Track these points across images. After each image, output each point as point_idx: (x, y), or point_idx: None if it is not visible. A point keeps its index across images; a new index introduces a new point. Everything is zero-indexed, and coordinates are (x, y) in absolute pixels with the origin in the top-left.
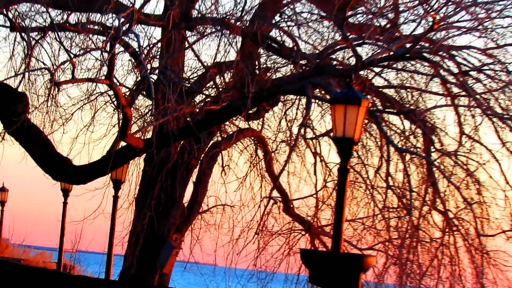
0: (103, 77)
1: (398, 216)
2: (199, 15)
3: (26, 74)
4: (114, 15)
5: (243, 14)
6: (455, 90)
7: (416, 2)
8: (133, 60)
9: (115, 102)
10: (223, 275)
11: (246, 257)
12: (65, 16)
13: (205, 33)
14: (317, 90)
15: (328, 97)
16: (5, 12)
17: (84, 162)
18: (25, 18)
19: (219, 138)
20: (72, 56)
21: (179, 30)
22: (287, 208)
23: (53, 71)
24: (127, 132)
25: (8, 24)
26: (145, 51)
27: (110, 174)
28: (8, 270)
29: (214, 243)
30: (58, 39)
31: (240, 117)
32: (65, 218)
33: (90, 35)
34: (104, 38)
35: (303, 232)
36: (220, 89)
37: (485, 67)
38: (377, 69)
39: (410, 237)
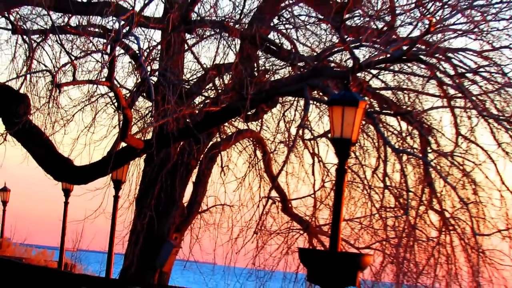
0: (103, 79)
1: (395, 215)
2: (198, 18)
3: (28, 76)
4: (114, 18)
5: (241, 17)
6: (452, 91)
7: (413, 5)
8: (133, 62)
9: (116, 104)
10: (222, 273)
11: (245, 256)
12: (66, 19)
13: (204, 36)
14: (315, 91)
15: (326, 98)
16: (6, 15)
17: (85, 162)
18: (26, 21)
19: (219, 139)
20: (73, 58)
21: (178, 33)
22: (286, 208)
23: (54, 73)
24: (128, 133)
25: (9, 26)
26: (145, 53)
27: (110, 175)
28: (10, 268)
29: (214, 242)
30: (59, 41)
31: (239, 118)
32: (66, 218)
33: (91, 38)
34: (105, 41)
35: (301, 232)
36: (219, 91)
37: (481, 69)
38: (374, 71)
39: (407, 236)
